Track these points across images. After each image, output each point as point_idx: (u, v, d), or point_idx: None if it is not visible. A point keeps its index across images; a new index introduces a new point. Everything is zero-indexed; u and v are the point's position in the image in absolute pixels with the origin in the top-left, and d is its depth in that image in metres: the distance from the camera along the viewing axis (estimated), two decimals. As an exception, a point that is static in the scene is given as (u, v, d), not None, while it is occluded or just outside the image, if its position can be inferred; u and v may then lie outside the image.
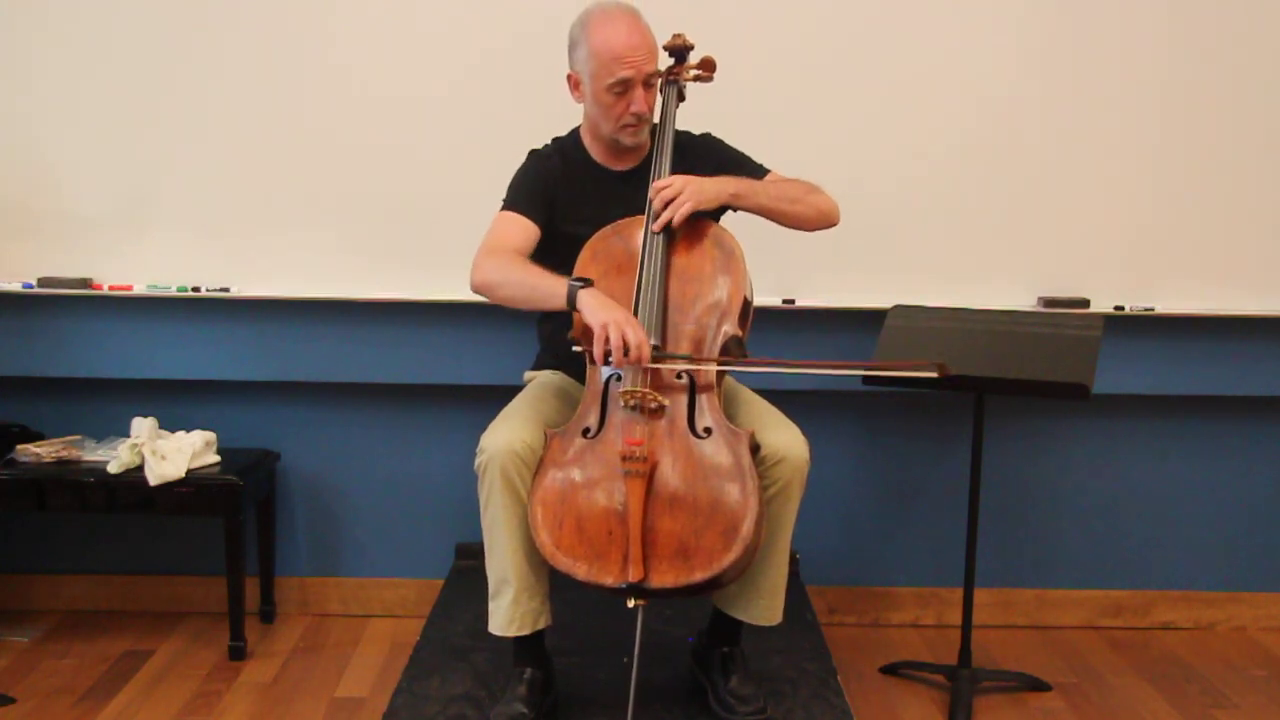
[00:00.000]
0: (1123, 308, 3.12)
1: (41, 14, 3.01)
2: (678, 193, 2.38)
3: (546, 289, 2.32)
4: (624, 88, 2.43)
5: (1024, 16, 3.05)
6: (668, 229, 2.40)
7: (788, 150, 2.98)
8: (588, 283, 2.30)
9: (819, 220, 2.54)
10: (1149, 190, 3.11)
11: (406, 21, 3.02)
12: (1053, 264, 3.13)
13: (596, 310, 2.24)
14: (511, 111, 2.97)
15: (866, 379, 2.75)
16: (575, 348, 2.30)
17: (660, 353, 2.30)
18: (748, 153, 2.64)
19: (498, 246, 2.43)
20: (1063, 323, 2.82)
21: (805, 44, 3.04)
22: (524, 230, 2.48)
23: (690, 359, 2.31)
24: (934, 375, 2.21)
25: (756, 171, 2.58)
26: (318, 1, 3.02)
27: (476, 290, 2.41)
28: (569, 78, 2.53)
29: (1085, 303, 3.10)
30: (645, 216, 2.43)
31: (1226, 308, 3.13)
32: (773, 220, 2.50)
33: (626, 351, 2.21)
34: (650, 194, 2.42)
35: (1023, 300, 3.12)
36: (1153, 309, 3.12)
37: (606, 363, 2.24)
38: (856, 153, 3.07)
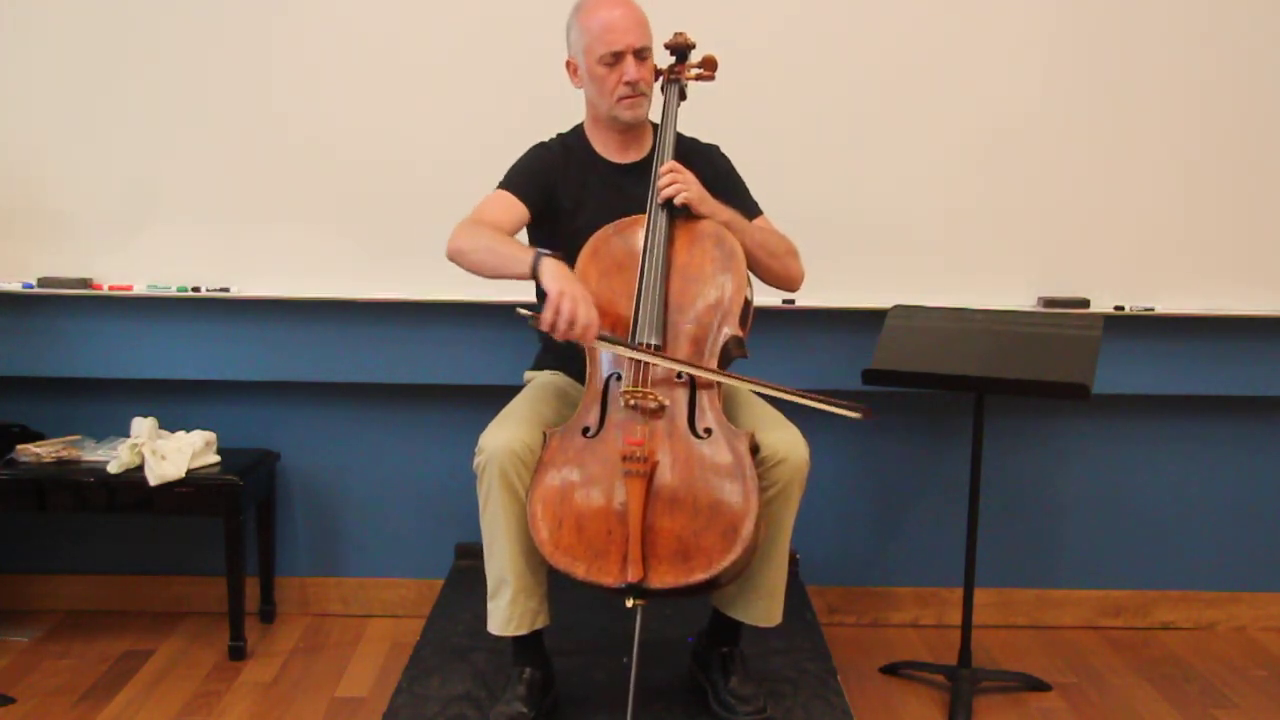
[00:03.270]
0: (1123, 308, 3.12)
1: (40, 14, 3.01)
2: (685, 183, 2.41)
3: (512, 255, 2.32)
4: (615, 59, 2.45)
5: (1025, 19, 3.05)
6: (670, 220, 2.42)
7: (788, 150, 3.01)
8: (556, 255, 2.30)
9: (784, 282, 2.58)
10: (1149, 190, 3.11)
11: (406, 22, 3.03)
12: (1053, 264, 3.13)
13: (557, 278, 2.23)
14: (513, 111, 2.97)
15: (867, 377, 2.75)
16: (520, 309, 2.28)
17: (608, 336, 2.29)
18: (742, 172, 2.65)
19: (476, 218, 2.44)
20: (1063, 323, 2.82)
21: (806, 44, 3.04)
22: (509, 207, 2.48)
23: (625, 344, 2.30)
24: (857, 416, 2.23)
25: (751, 208, 2.60)
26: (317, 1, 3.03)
27: (449, 257, 2.40)
28: (567, 64, 2.55)
29: (1085, 303, 3.10)
30: (646, 215, 2.43)
31: (1226, 308, 3.13)
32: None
33: (573, 326, 2.20)
34: (658, 168, 2.45)
35: (1023, 300, 3.12)
36: (1153, 309, 3.12)
37: (552, 331, 2.22)
38: (857, 153, 3.07)
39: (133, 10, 3.01)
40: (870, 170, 3.08)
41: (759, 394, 2.44)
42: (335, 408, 3.30)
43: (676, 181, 2.41)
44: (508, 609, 2.34)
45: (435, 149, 3.06)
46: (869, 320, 2.96)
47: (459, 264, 2.40)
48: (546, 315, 2.21)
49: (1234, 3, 3.05)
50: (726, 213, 2.46)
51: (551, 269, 2.26)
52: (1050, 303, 3.10)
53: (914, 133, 3.07)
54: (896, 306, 2.93)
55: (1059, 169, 3.09)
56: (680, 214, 2.44)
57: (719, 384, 2.33)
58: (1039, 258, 3.13)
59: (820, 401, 2.24)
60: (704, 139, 2.65)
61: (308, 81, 3.05)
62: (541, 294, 2.28)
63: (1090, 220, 3.12)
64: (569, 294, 2.21)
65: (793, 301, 3.07)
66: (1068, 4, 3.05)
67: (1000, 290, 3.10)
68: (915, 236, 3.10)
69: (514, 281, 2.39)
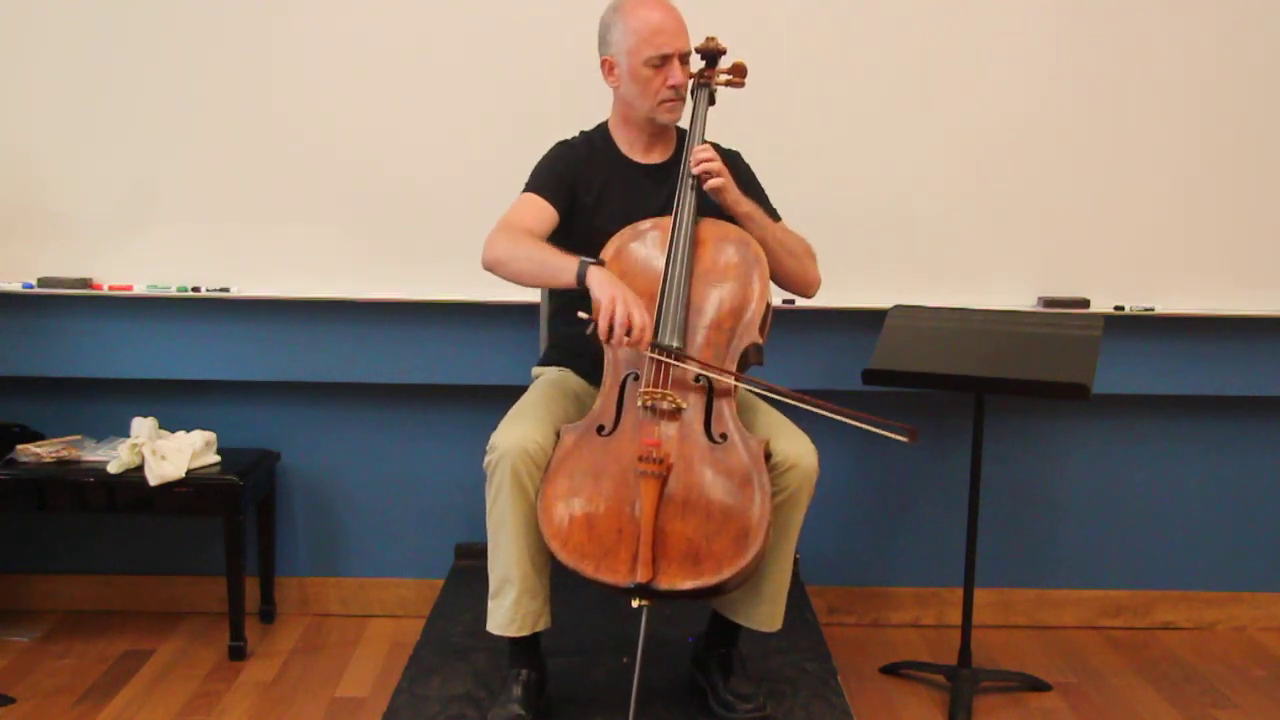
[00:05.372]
0: (1123, 308, 3.12)
1: (40, 15, 3.01)
2: (718, 170, 2.43)
3: (556, 265, 2.32)
4: (663, 61, 2.46)
5: (1025, 20, 3.05)
6: (698, 205, 2.43)
7: (788, 150, 3.00)
8: (600, 262, 2.31)
9: (799, 284, 2.58)
10: (1149, 190, 3.11)
11: (407, 22, 3.03)
12: (1053, 264, 3.13)
13: (606, 285, 2.25)
14: (514, 112, 2.97)
15: (867, 377, 2.75)
16: (580, 314, 2.28)
17: (661, 345, 2.30)
18: (767, 187, 2.66)
19: (510, 224, 2.44)
20: (1063, 323, 2.82)
21: (806, 44, 3.05)
22: (540, 211, 2.49)
23: (682, 353, 2.31)
24: (904, 439, 2.21)
25: (772, 214, 2.60)
26: None
27: (486, 267, 2.40)
28: (603, 63, 2.54)
29: (1085, 303, 3.10)
30: (672, 217, 2.44)
31: (1226, 308, 3.13)
32: None
33: (630, 331, 2.21)
34: (690, 151, 2.47)
35: (1023, 300, 3.12)
36: (1153, 309, 3.12)
37: (610, 339, 2.23)
38: (857, 153, 3.08)
39: (132, 11, 3.01)
40: (870, 170, 3.08)
41: (783, 402, 2.39)
42: (335, 408, 3.30)
43: (713, 160, 2.43)
44: (511, 609, 2.33)
45: (436, 149, 3.06)
46: (869, 320, 2.96)
47: (497, 273, 2.40)
48: (602, 322, 2.22)
49: (1234, 4, 3.05)
50: (748, 205, 2.48)
51: (599, 277, 2.26)
52: (1050, 303, 3.10)
53: (914, 133, 3.07)
54: (896, 306, 2.92)
55: (1059, 169, 3.09)
56: (706, 205, 2.45)
57: (736, 389, 2.33)
58: (1039, 258, 3.13)
59: (865, 423, 2.22)
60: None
61: (308, 82, 3.05)
62: (572, 297, 2.32)
63: (1090, 220, 3.12)
64: (621, 299, 2.22)
65: (792, 301, 3.06)
66: (1069, 5, 3.05)
67: (1000, 290, 3.10)
68: (916, 237, 3.10)
69: (516, 282, 2.41)
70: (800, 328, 3.12)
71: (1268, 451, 3.34)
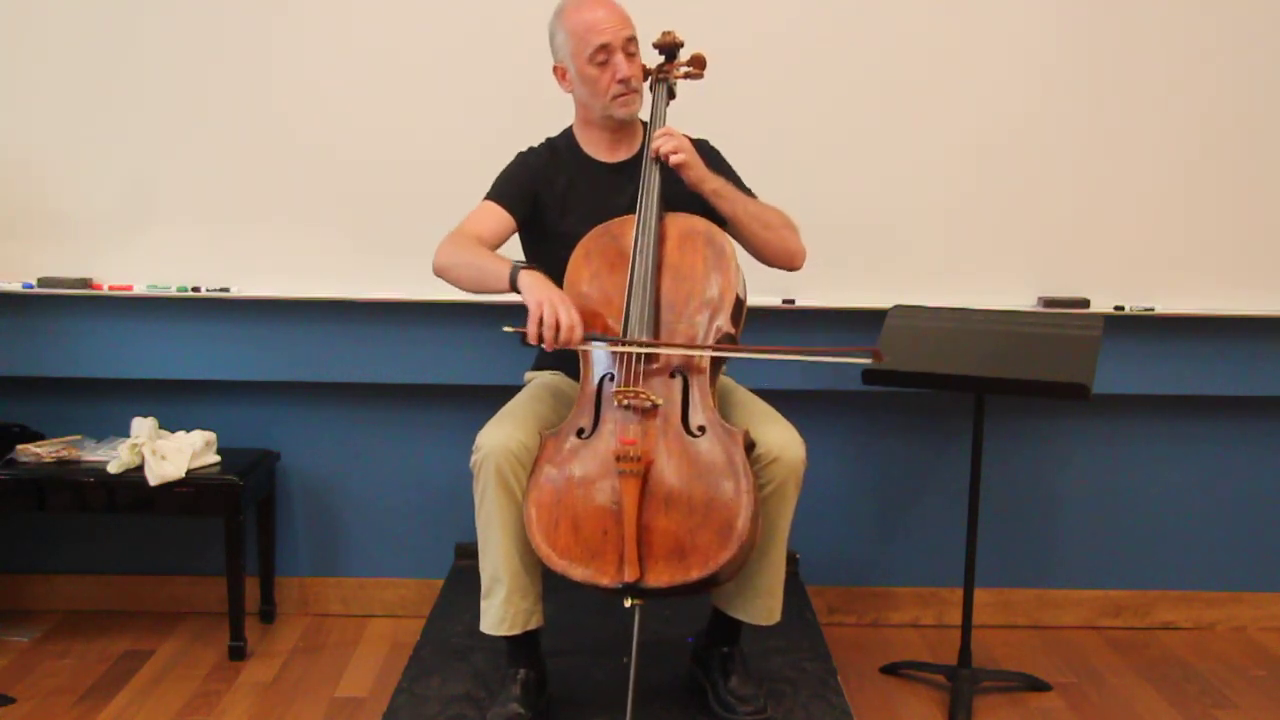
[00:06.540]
0: (1123, 308, 3.12)
1: (41, 15, 3.01)
2: (677, 145, 2.42)
3: (492, 270, 2.34)
4: (605, 55, 2.45)
5: (1025, 19, 3.05)
6: (660, 212, 2.43)
7: (788, 151, 3.01)
8: (531, 266, 2.32)
9: (782, 256, 2.52)
10: (1149, 190, 3.11)
11: (406, 22, 3.03)
12: (1053, 264, 3.13)
13: (534, 289, 2.26)
14: (513, 111, 2.97)
15: (867, 377, 2.75)
16: (506, 328, 2.30)
17: (595, 336, 2.32)
18: (741, 172, 2.65)
19: (459, 231, 2.46)
20: (1063, 323, 2.82)
21: (806, 45, 3.04)
22: (495, 218, 2.50)
23: (616, 340, 2.32)
24: (868, 362, 2.22)
25: (744, 191, 2.59)
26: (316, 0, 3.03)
27: (435, 273, 2.43)
28: (555, 70, 2.55)
29: (1085, 303, 3.10)
30: (636, 216, 2.44)
31: (1226, 308, 3.13)
32: (738, 236, 2.50)
33: (558, 333, 2.22)
34: (652, 133, 2.47)
35: (1023, 300, 3.12)
36: (1153, 309, 3.12)
37: (540, 342, 2.24)
38: (857, 153, 3.07)
39: (133, 10, 3.02)
40: (870, 171, 3.08)
41: (757, 358, 2.41)
42: (335, 408, 3.30)
43: (671, 137, 2.42)
44: (501, 608, 2.34)
45: (435, 149, 3.06)
46: (869, 320, 2.96)
47: (444, 279, 2.43)
48: (530, 328, 2.23)
49: (1233, 4, 3.04)
50: (716, 181, 2.46)
51: (528, 281, 2.28)
52: (1050, 303, 3.10)
53: (914, 133, 3.07)
54: (896, 306, 2.92)
55: (1059, 169, 3.09)
56: (671, 190, 2.45)
57: (711, 382, 2.33)
58: (1039, 258, 3.13)
59: (826, 355, 2.24)
60: (703, 139, 2.65)
61: (307, 81, 3.05)
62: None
63: (1090, 220, 3.12)
64: (547, 301, 2.23)
65: (793, 301, 3.07)
66: (1067, 4, 3.05)
67: (1000, 290, 3.10)
68: (916, 237, 3.10)
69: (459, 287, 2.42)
70: (800, 328, 3.12)
71: (1268, 451, 3.34)
